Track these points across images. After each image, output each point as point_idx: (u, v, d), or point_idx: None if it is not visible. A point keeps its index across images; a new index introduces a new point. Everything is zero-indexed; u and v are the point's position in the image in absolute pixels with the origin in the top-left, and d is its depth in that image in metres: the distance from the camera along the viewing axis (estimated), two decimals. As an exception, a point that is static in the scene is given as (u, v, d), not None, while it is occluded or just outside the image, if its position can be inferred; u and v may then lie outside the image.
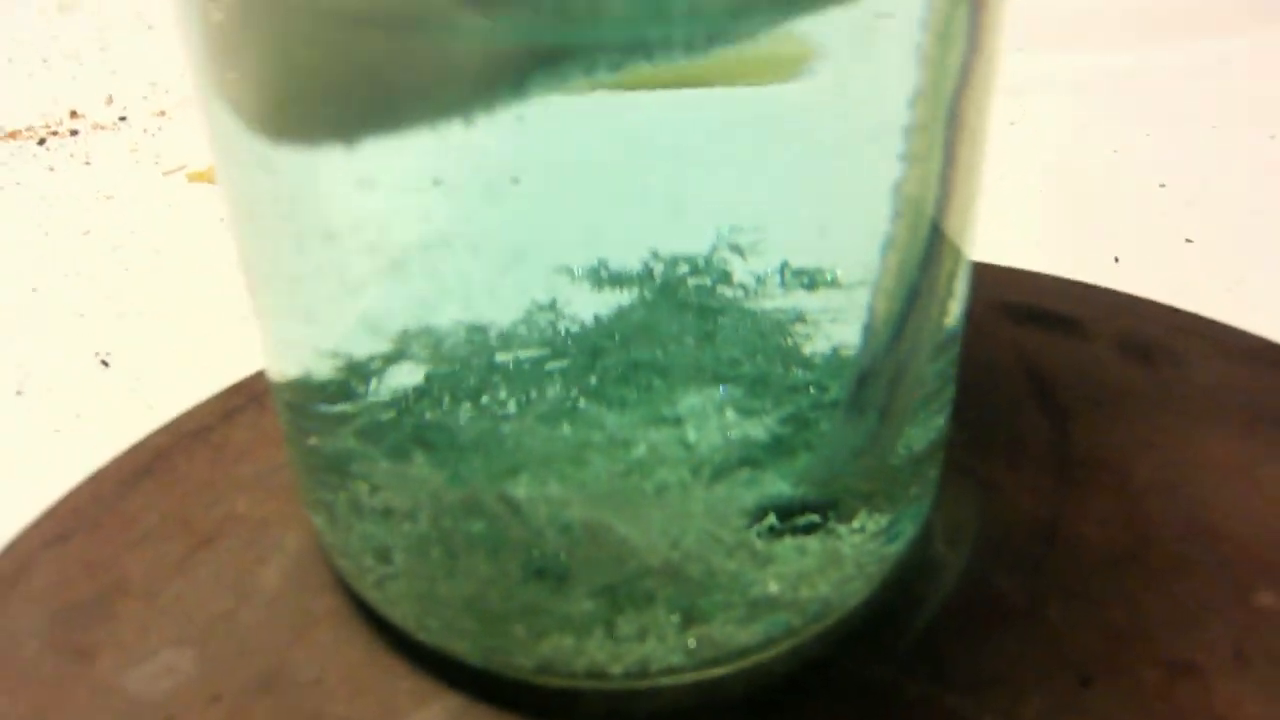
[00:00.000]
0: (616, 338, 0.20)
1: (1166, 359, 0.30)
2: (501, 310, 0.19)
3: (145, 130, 0.45)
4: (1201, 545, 0.26)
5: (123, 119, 0.46)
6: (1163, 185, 0.41)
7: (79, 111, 0.47)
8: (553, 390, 0.20)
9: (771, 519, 0.21)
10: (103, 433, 0.34)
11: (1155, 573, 0.25)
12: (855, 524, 0.22)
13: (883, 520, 0.23)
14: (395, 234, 0.19)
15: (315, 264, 0.20)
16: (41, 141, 0.46)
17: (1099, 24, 0.49)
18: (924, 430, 0.24)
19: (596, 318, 0.19)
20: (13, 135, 0.46)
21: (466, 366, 0.20)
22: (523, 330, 0.19)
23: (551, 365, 0.20)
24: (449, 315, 0.19)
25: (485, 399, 0.20)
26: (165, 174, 0.43)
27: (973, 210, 0.22)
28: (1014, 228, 0.39)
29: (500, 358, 0.20)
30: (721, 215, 0.19)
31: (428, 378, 0.20)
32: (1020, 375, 0.30)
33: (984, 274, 0.29)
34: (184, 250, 0.40)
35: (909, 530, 0.25)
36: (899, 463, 0.23)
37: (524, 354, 0.20)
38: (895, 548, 0.24)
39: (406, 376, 0.21)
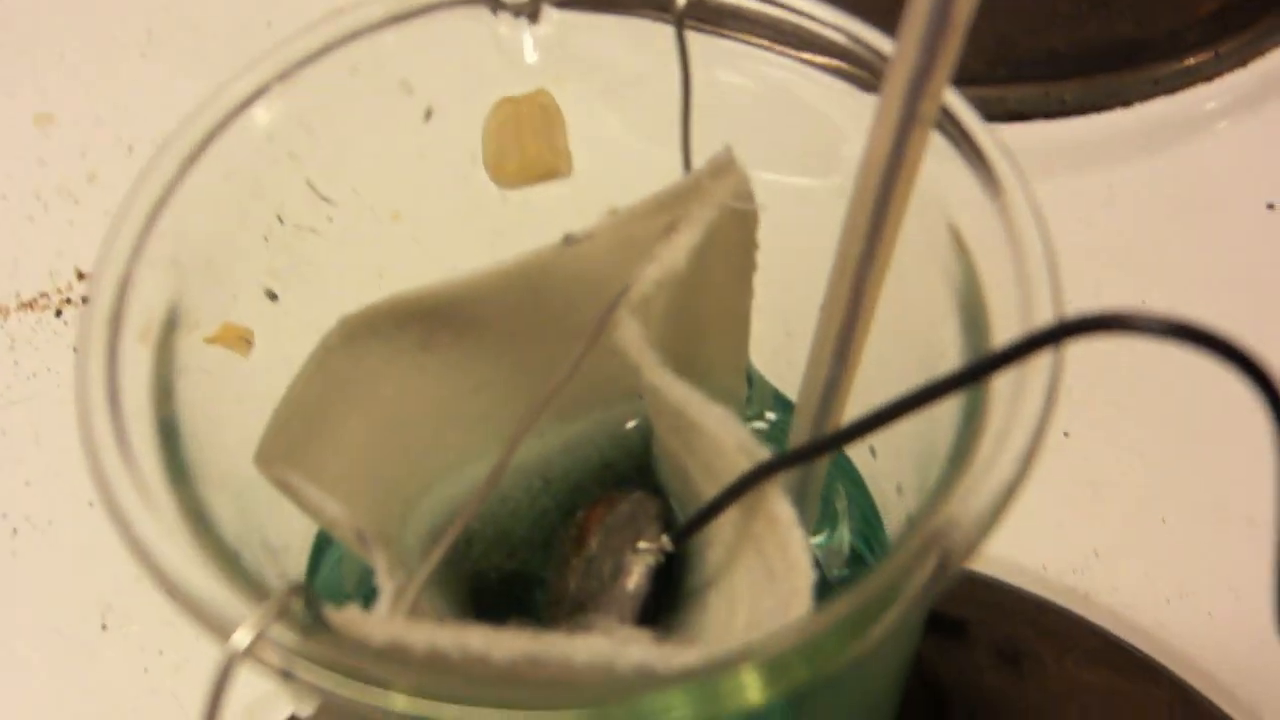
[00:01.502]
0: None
1: (1031, 663, 0.39)
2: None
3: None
4: None
5: (128, 280, 0.51)
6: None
7: (84, 271, 0.52)
8: None
9: None
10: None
11: None
12: None
13: None
14: None
15: None
16: (58, 313, 0.51)
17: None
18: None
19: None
20: (30, 305, 0.51)
21: None
22: None
23: None
24: None
25: None
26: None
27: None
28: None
29: None
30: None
31: None
32: (920, 686, 0.39)
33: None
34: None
35: None
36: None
37: None
38: None
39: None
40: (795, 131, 0.29)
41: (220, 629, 0.18)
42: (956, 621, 0.40)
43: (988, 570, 0.42)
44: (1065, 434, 0.47)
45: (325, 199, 0.30)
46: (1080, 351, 0.46)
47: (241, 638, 0.18)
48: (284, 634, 0.18)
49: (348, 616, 0.20)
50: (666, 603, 0.28)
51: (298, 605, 0.19)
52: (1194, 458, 0.46)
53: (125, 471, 0.21)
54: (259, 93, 0.27)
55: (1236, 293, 0.51)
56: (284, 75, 0.27)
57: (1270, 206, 0.53)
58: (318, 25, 0.28)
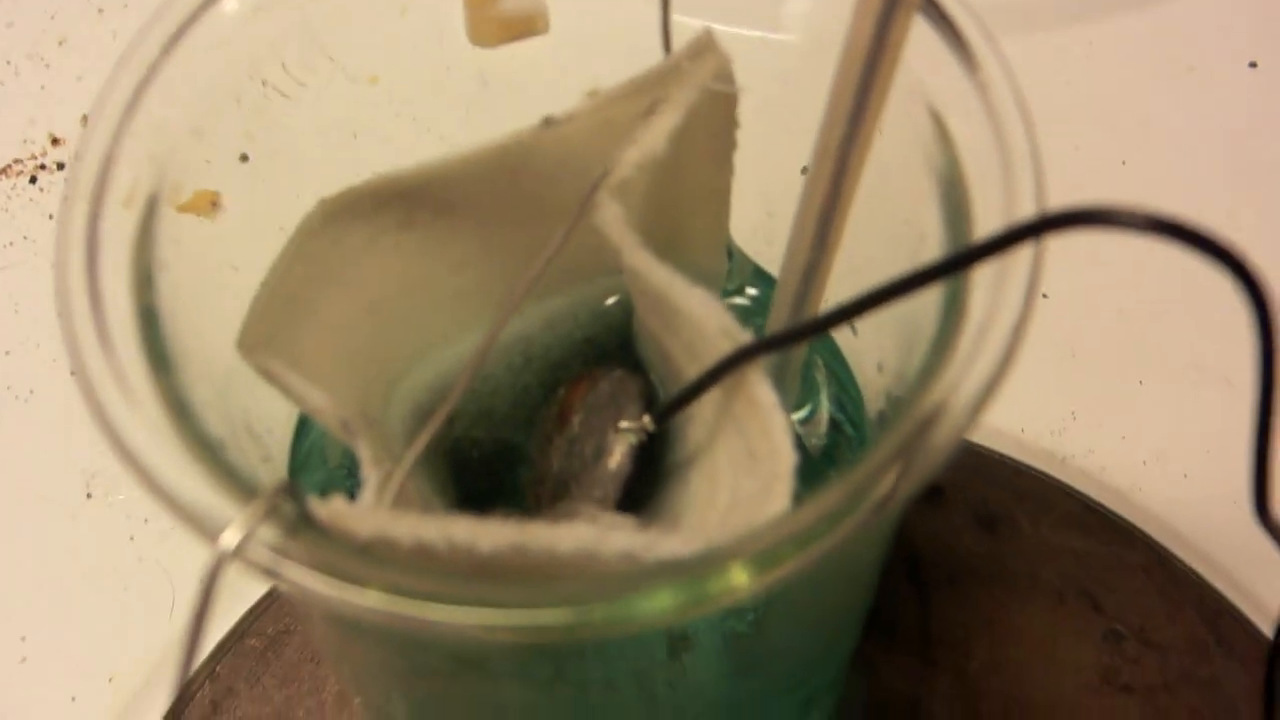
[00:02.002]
0: None
1: (1006, 527, 0.40)
2: None
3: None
4: (1016, 716, 0.37)
5: (102, 146, 0.51)
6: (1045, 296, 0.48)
7: (58, 136, 0.51)
8: None
9: None
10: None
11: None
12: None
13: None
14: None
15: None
16: (33, 180, 0.51)
17: None
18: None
19: None
20: (4, 173, 0.51)
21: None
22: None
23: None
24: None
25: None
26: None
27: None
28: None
29: None
30: None
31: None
32: (898, 552, 0.40)
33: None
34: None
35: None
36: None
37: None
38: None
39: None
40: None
41: (207, 530, 0.18)
42: (933, 486, 0.41)
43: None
44: (1044, 295, 0.47)
45: (300, 83, 0.30)
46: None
47: (230, 538, 0.18)
48: (270, 534, 0.18)
49: (333, 509, 0.20)
50: (648, 477, 0.28)
51: (285, 504, 0.19)
52: (1172, 319, 0.47)
53: (107, 367, 0.21)
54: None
55: (1217, 152, 0.50)
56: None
57: (1253, 65, 0.52)
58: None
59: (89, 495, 0.45)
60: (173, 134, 0.26)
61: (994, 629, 0.38)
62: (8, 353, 0.47)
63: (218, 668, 0.39)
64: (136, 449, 0.19)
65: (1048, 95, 0.50)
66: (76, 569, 0.43)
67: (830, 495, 0.19)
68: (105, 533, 0.44)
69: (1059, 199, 0.48)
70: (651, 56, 0.27)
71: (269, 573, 0.18)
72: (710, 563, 0.18)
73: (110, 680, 0.41)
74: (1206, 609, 0.38)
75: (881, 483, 0.19)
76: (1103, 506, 0.41)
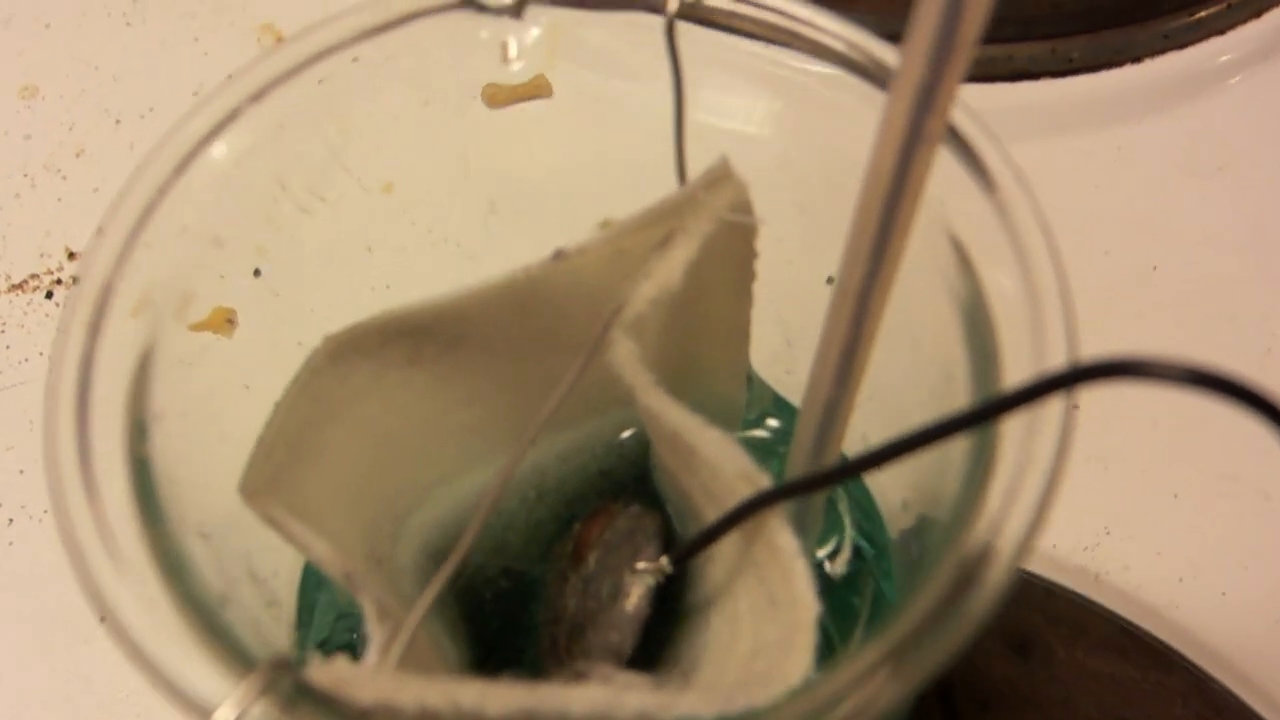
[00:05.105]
0: None
1: (1040, 652, 0.39)
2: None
3: (143, 278, 0.50)
4: None
5: (118, 260, 0.50)
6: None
7: (75, 250, 0.51)
8: None
9: None
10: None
11: None
12: None
13: None
14: None
15: None
16: (49, 295, 0.50)
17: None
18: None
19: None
20: (20, 287, 0.50)
21: None
22: None
23: None
24: None
25: None
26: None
27: None
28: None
29: None
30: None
31: None
32: (928, 677, 0.38)
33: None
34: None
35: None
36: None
37: None
38: None
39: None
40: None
41: (198, 708, 0.17)
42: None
43: (996, 553, 0.42)
44: (1075, 406, 0.46)
45: (320, 197, 0.29)
46: (1089, 320, 0.45)
47: (223, 717, 0.17)
48: (266, 709, 0.18)
49: (335, 674, 0.19)
50: (665, 615, 0.27)
51: (281, 677, 0.18)
52: (1205, 430, 0.45)
53: (92, 519, 0.20)
54: (264, 91, 0.26)
55: (1251, 254, 0.49)
56: (280, 79, 0.26)
57: (1284, 165, 0.51)
58: (308, 34, 0.27)
59: (102, 618, 0.44)
60: (187, 251, 0.25)
61: (1028, 759, 0.37)
62: (21, 471, 0.47)
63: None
64: (126, 619, 0.19)
65: (1076, 199, 0.50)
66: (90, 695, 0.43)
67: (862, 660, 0.18)
68: (119, 658, 0.43)
69: (1090, 306, 0.46)
70: (667, 184, 0.26)
71: (261, 754, 0.17)
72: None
73: (120, 812, 0.40)
74: (1250, 737, 0.37)
75: (909, 652, 0.18)
76: (1139, 628, 0.39)
